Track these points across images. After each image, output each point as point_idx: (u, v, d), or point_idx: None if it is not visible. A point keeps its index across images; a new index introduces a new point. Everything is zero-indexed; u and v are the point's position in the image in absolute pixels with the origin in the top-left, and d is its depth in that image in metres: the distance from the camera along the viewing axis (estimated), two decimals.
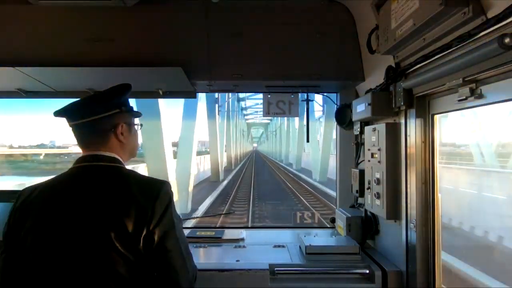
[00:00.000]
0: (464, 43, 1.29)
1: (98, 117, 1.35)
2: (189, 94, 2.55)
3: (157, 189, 1.29)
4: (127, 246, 1.19)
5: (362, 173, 2.25)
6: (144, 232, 1.21)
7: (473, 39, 1.25)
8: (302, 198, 16.70)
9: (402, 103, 1.79)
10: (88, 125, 1.36)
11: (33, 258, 1.21)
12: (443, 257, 1.78)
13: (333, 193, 13.75)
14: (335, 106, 2.69)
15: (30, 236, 1.22)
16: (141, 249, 1.21)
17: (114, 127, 1.38)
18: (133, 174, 1.35)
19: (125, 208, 1.21)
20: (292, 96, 2.62)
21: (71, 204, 1.24)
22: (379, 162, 1.98)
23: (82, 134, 1.38)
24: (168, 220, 1.27)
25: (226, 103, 33.41)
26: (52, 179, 1.35)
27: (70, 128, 1.40)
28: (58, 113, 1.40)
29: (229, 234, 2.51)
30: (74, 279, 1.18)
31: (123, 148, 1.41)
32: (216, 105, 27.06)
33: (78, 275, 1.18)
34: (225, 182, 23.80)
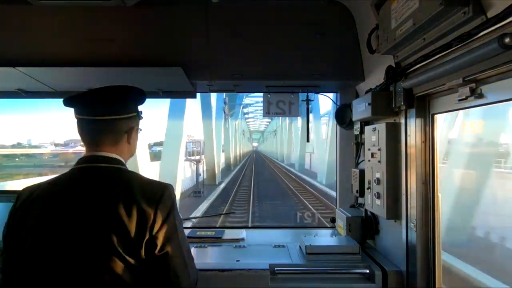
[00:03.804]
0: (464, 43, 1.29)
1: (120, 117, 1.34)
2: (189, 94, 2.56)
3: (159, 192, 1.27)
4: (129, 250, 1.18)
5: (362, 173, 2.25)
6: (147, 237, 1.20)
7: (473, 38, 1.25)
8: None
9: (402, 103, 1.79)
10: (107, 123, 1.32)
11: (33, 260, 1.20)
12: None
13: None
14: (336, 106, 2.69)
15: (30, 237, 1.21)
16: (142, 254, 1.20)
17: (130, 130, 1.39)
18: (135, 176, 1.33)
19: (127, 212, 1.19)
20: (292, 96, 2.62)
21: (72, 206, 1.22)
22: (379, 162, 1.98)
23: (95, 131, 1.33)
24: (171, 224, 1.25)
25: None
26: (53, 179, 1.32)
27: (77, 121, 1.34)
28: (71, 103, 1.34)
29: (229, 234, 2.51)
30: (74, 282, 1.17)
31: (129, 151, 1.41)
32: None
33: (78, 278, 1.17)
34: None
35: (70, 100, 1.34)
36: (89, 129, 1.34)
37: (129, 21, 2.16)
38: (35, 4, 1.93)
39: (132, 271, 1.19)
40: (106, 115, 1.32)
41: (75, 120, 1.36)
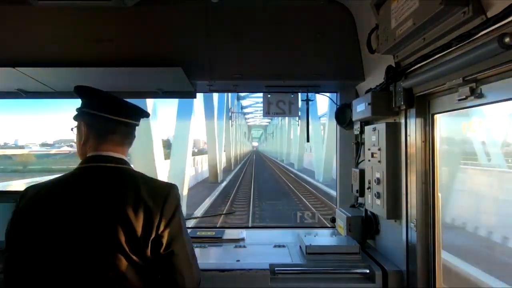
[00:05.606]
0: (464, 42, 1.29)
1: (138, 123, 1.44)
2: (189, 94, 2.56)
3: (165, 192, 1.30)
4: (135, 249, 1.20)
5: (362, 172, 2.25)
6: (153, 236, 1.22)
7: (473, 38, 1.25)
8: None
9: (402, 103, 1.79)
10: (133, 127, 1.41)
11: (38, 258, 1.20)
12: None
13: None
14: (336, 106, 2.69)
15: (35, 236, 1.21)
16: (148, 252, 1.22)
17: (134, 135, 1.48)
18: (141, 176, 1.34)
19: (134, 211, 1.21)
20: (292, 96, 2.62)
21: (78, 205, 1.23)
22: (379, 161, 1.98)
23: (125, 133, 1.38)
24: (176, 223, 1.28)
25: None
26: (58, 179, 1.32)
27: (107, 122, 1.35)
28: (93, 97, 1.37)
29: (229, 234, 2.51)
30: (79, 281, 1.17)
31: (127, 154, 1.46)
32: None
33: (84, 276, 1.18)
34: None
35: (116, 103, 1.38)
36: (118, 130, 1.37)
37: (129, 21, 2.16)
38: (35, 4, 1.93)
39: (137, 270, 1.21)
40: (135, 120, 1.41)
41: (104, 120, 1.36)
